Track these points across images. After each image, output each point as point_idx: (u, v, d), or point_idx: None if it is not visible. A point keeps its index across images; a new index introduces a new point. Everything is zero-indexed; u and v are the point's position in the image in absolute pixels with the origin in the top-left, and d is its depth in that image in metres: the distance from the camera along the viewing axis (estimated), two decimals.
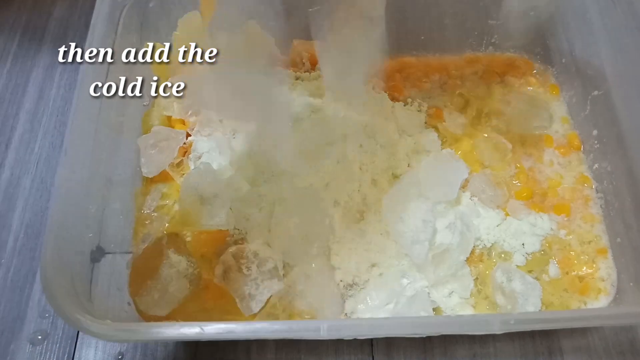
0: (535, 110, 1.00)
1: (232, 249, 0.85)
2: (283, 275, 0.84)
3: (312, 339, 0.68)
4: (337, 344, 0.83)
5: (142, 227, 0.89)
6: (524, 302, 0.81)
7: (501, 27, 1.06)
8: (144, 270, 0.84)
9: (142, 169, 0.93)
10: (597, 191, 0.94)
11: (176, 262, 0.84)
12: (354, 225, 0.88)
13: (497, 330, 0.68)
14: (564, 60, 1.03)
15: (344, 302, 0.84)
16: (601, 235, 0.91)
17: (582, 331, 0.84)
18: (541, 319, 0.71)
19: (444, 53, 1.08)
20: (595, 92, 0.95)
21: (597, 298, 0.85)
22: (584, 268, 0.88)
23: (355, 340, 0.82)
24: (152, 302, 0.82)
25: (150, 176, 0.93)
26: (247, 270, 0.84)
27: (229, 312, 0.83)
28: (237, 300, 0.83)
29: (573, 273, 0.87)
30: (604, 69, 0.93)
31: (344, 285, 0.85)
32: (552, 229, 0.90)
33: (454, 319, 0.72)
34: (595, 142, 0.95)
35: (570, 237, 0.90)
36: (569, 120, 1.01)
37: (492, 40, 1.07)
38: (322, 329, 0.67)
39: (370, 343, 0.83)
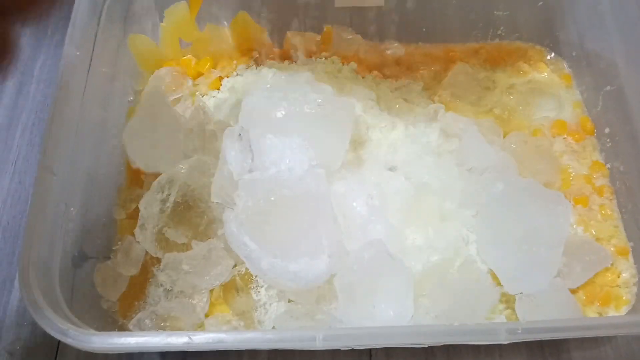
0: (541, 99, 1.00)
1: (240, 271, 0.85)
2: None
3: (307, 349, 0.68)
4: (334, 353, 0.83)
5: (126, 231, 0.88)
6: None
7: (507, 18, 1.06)
8: (130, 290, 0.84)
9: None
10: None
11: (163, 280, 0.84)
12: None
13: (504, 340, 0.67)
14: (574, 54, 1.03)
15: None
16: (620, 229, 0.90)
17: (594, 341, 0.84)
18: (550, 328, 0.70)
19: (447, 44, 1.08)
20: (608, 87, 0.95)
21: (619, 309, 0.85)
22: (608, 274, 0.87)
23: (353, 349, 0.82)
24: (142, 325, 0.82)
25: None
26: (257, 295, 0.84)
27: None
28: (242, 322, 0.83)
29: (593, 280, 0.86)
30: (617, 63, 0.93)
31: None
32: (571, 224, 0.90)
33: (457, 328, 0.72)
34: (608, 140, 0.95)
35: (593, 231, 0.90)
36: (581, 105, 1.01)
37: (498, 32, 1.07)
38: (317, 338, 0.66)
39: (369, 353, 0.83)
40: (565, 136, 0.98)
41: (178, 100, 1.00)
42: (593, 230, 0.90)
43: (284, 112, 0.84)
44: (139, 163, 0.91)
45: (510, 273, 0.82)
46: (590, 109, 1.00)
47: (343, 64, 1.04)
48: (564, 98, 1.02)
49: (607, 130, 0.95)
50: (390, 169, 0.92)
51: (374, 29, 1.07)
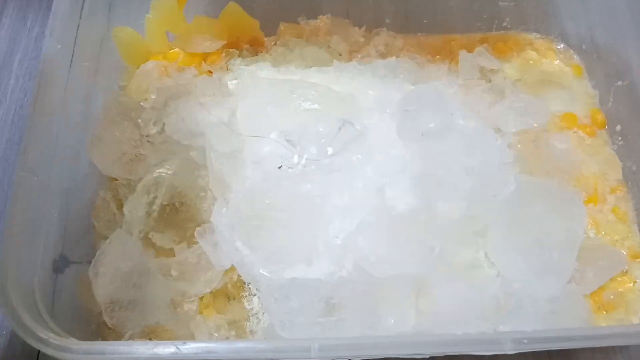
0: (551, 91, 1.01)
1: (231, 277, 0.84)
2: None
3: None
4: None
5: (107, 232, 0.88)
6: None
7: (513, 9, 1.06)
8: None
9: None
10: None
11: None
12: None
13: (509, 350, 0.67)
14: (584, 47, 1.03)
15: None
16: (634, 231, 0.90)
17: (605, 351, 0.84)
18: (558, 338, 0.70)
19: (449, 35, 1.08)
20: (619, 83, 0.95)
21: (633, 317, 0.84)
22: (622, 279, 0.86)
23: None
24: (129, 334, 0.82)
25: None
26: (249, 304, 0.84)
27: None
28: (233, 332, 0.82)
29: (606, 286, 0.86)
30: (629, 57, 0.94)
31: None
32: None
33: (460, 338, 0.72)
34: (619, 138, 0.95)
35: (603, 232, 0.89)
36: (592, 97, 1.01)
37: (504, 24, 1.07)
38: (312, 349, 0.66)
39: None
40: (575, 129, 0.98)
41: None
42: (603, 232, 0.90)
43: (280, 112, 0.84)
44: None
45: (521, 277, 0.82)
46: (601, 104, 1.00)
47: (340, 55, 1.04)
48: (575, 90, 1.02)
49: (618, 127, 0.96)
50: (394, 166, 0.91)
51: (371, 20, 1.07)
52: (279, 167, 0.84)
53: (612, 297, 0.85)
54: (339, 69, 0.99)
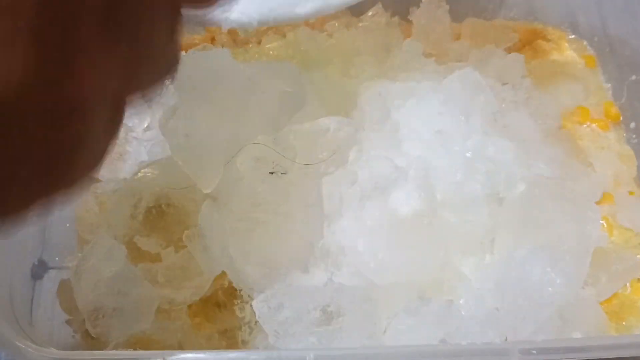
0: (563, 84, 1.00)
1: (222, 284, 0.84)
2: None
3: None
4: None
5: (89, 235, 0.88)
6: None
7: None
8: None
9: None
10: None
11: None
12: None
13: None
14: (596, 39, 1.03)
15: None
16: None
17: None
18: (569, 348, 0.70)
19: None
20: (634, 77, 0.95)
21: None
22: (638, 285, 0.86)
23: None
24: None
25: None
26: (241, 312, 0.83)
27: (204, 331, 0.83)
28: (224, 342, 0.82)
29: (619, 293, 0.85)
30: None
31: None
32: None
33: (464, 348, 0.71)
34: (634, 136, 0.95)
35: (617, 234, 0.89)
36: (604, 90, 1.01)
37: (511, 15, 1.07)
38: (308, 359, 0.66)
39: None
40: (588, 124, 0.97)
41: None
42: (617, 235, 0.89)
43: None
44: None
45: (530, 283, 0.81)
46: (615, 99, 1.00)
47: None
48: (588, 82, 1.01)
49: (632, 124, 0.95)
50: (395, 167, 0.90)
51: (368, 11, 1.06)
52: (271, 173, 0.83)
53: (624, 304, 0.85)
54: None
